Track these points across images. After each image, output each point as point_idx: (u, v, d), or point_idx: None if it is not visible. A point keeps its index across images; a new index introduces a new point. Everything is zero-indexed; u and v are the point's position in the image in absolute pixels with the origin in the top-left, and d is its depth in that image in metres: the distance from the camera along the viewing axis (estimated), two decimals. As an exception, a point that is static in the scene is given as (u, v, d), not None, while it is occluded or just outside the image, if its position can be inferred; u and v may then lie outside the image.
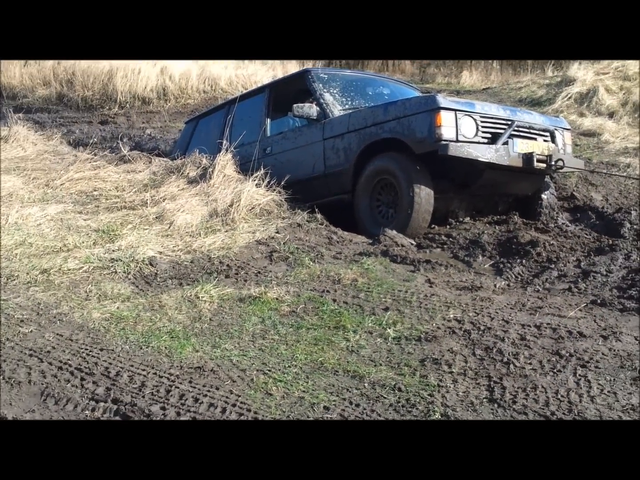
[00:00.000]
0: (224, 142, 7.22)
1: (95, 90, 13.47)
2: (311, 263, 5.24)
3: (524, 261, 5.36)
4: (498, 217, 6.55)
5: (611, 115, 10.23)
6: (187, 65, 14.10)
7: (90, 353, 3.77)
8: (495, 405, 3.12)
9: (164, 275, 5.09)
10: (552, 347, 3.69)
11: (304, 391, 3.31)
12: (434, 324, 4.08)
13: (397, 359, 3.67)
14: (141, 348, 3.84)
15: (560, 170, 6.46)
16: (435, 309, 4.30)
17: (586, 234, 6.06)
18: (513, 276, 5.15)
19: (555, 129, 6.57)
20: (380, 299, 4.53)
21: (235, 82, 13.98)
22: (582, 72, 11.38)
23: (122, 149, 8.32)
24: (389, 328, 4.04)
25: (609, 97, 10.54)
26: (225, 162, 6.82)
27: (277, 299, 4.54)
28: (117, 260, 5.21)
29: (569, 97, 10.82)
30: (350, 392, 3.31)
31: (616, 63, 11.41)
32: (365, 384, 3.38)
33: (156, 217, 6.11)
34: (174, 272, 5.14)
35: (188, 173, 7.00)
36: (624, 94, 10.59)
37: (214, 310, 4.45)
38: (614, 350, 3.61)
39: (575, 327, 3.96)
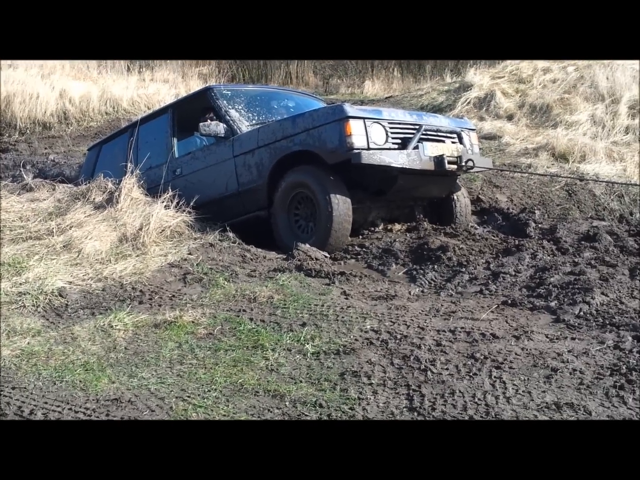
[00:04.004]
0: (129, 165, 7.05)
1: (-8, 118, 13.11)
2: (226, 283, 5.20)
3: (436, 266, 5.46)
4: (409, 224, 6.64)
5: (510, 117, 10.50)
6: (86, 87, 13.86)
7: (2, 392, 3.63)
8: (415, 413, 3.16)
9: (75, 305, 4.96)
10: (467, 350, 3.76)
11: (224, 415, 3.28)
12: (352, 336, 4.10)
13: (317, 374, 3.68)
14: (55, 383, 3.73)
15: (471, 170, 6.56)
16: (352, 321, 4.33)
17: (493, 236, 6.22)
18: (426, 282, 5.23)
19: (462, 130, 6.68)
20: (297, 314, 4.53)
21: (138, 102, 13.83)
22: (479, 77, 11.65)
23: (25, 177, 8.07)
24: (307, 344, 4.04)
25: (506, 100, 10.82)
26: (131, 185, 6.68)
27: (193, 322, 4.49)
28: (25, 294, 5.04)
29: (468, 102, 11.06)
30: (271, 412, 3.29)
31: (510, 67, 11.75)
32: (287, 403, 3.37)
33: (64, 246, 5.95)
34: (85, 302, 5.02)
35: (94, 198, 6.82)
36: (520, 96, 10.89)
37: (128, 339, 4.35)
38: (526, 350, 3.71)
39: (488, 329, 4.05)
